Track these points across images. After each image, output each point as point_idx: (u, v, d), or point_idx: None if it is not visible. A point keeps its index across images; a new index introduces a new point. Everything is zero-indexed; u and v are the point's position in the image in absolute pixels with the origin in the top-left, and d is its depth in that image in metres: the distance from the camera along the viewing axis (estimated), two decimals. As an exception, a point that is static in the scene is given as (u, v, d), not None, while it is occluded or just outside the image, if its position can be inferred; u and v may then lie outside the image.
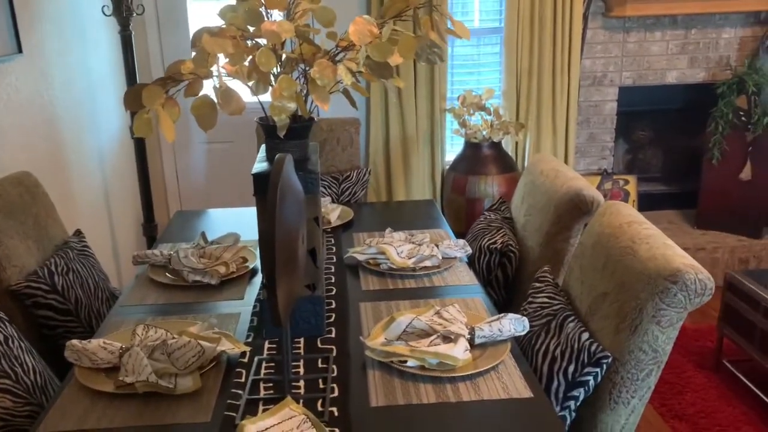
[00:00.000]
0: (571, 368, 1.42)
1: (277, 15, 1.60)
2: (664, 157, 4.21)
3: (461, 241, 2.08)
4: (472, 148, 3.62)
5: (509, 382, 1.41)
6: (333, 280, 1.95)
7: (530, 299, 1.70)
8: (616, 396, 1.39)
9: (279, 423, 1.23)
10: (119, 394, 1.39)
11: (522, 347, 1.59)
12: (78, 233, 2.22)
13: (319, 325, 1.62)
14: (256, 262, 2.04)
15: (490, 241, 2.02)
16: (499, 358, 1.47)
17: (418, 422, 1.29)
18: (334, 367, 1.49)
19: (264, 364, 1.51)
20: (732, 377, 2.73)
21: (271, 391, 1.40)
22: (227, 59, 1.34)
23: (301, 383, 1.43)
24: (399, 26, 1.52)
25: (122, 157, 3.28)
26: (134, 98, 1.18)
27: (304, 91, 1.52)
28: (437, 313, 1.62)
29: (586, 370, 1.40)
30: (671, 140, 4.15)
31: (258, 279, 1.97)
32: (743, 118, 3.58)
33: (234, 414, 1.32)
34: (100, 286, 2.08)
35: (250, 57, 1.36)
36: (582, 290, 1.59)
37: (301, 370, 1.48)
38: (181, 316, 1.74)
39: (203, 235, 2.14)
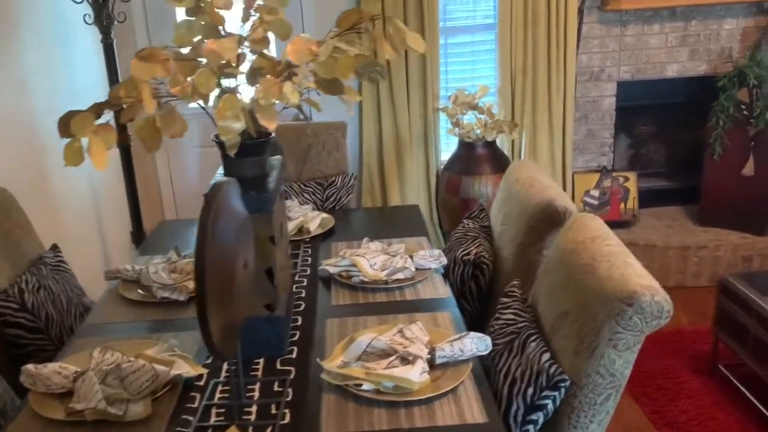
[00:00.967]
0: (530, 391, 1.38)
1: (234, 27, 1.56)
2: (667, 152, 4.11)
3: (436, 252, 2.04)
4: (465, 147, 3.56)
5: (466, 406, 1.37)
6: (303, 294, 1.92)
7: (497, 315, 1.65)
8: (575, 421, 1.34)
9: (220, 455, 1.21)
10: (70, 421, 1.38)
11: (485, 366, 1.55)
12: (54, 248, 2.22)
13: (279, 345, 1.60)
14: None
15: (464, 252, 1.98)
16: (458, 380, 1.43)
17: (365, 451, 1.26)
18: (290, 390, 1.46)
19: (219, 388, 1.49)
20: (727, 382, 2.66)
21: (222, 418, 1.38)
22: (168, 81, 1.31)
23: (254, 408, 1.40)
24: (358, 38, 1.48)
25: (111, 164, 3.28)
26: (65, 126, 1.16)
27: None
28: (400, 331, 1.58)
29: (544, 393, 1.36)
30: (673, 135, 4.06)
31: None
32: (745, 112, 3.48)
33: (180, 443, 1.30)
34: (73, 301, 2.08)
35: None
36: (547, 307, 1.54)
37: (256, 394, 1.46)
38: (145, 336, 1.73)
39: (176, 249, 2.12)
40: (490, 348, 1.50)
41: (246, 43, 1.51)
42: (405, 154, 3.71)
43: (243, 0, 1.52)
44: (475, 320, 1.97)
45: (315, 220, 2.43)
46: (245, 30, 1.50)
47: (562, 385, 1.34)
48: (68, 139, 1.18)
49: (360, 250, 2.08)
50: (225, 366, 1.56)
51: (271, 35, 1.52)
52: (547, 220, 1.80)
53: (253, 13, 1.51)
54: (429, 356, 1.48)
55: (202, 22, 1.44)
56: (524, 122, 3.71)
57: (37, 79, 2.59)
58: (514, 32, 3.55)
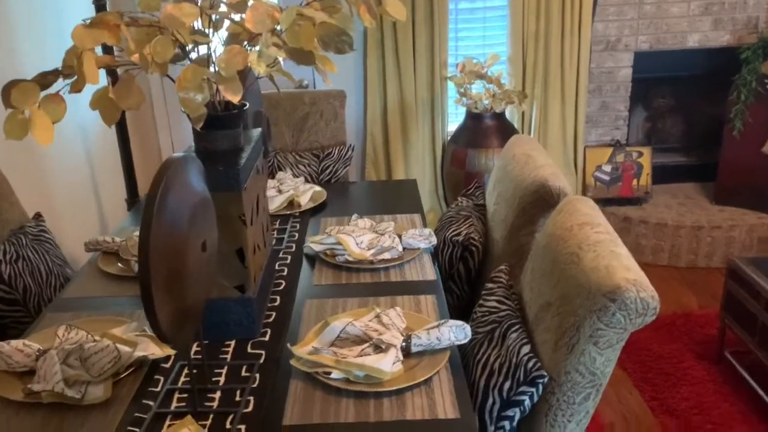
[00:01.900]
0: (507, 385, 1.30)
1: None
2: (685, 126, 3.95)
3: (427, 231, 1.95)
4: (473, 119, 3.44)
5: (438, 400, 1.29)
6: (285, 273, 1.85)
7: (481, 301, 1.57)
8: (552, 419, 1.26)
9: (172, 446, 1.15)
10: (27, 403, 1.33)
11: (464, 355, 1.47)
12: (37, 217, 2.16)
13: (251, 327, 1.53)
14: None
15: (454, 233, 1.89)
16: (434, 370, 1.36)
17: (327, 446, 1.20)
18: (257, 375, 1.40)
19: (185, 371, 1.43)
20: (732, 370, 2.56)
21: (183, 403, 1.32)
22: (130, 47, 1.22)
23: (217, 394, 1.35)
24: (337, 3, 1.37)
25: (108, 129, 3.21)
26: (7, 96, 1.08)
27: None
28: (377, 316, 1.51)
29: (521, 389, 1.28)
30: (692, 109, 3.89)
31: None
32: (768, 86, 3.30)
33: (137, 430, 1.24)
34: (53, 272, 2.03)
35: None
36: (531, 296, 1.46)
37: (222, 379, 1.40)
38: (119, 312, 1.67)
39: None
40: (469, 337, 1.42)
41: (222, 8, 1.41)
42: (410, 124, 3.60)
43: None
44: (464, 304, 1.89)
45: (306, 194, 2.35)
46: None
47: (540, 381, 1.26)
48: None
49: (347, 227, 2.00)
50: (195, 347, 1.50)
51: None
52: (539, 202, 1.70)
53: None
54: (404, 344, 1.41)
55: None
56: (535, 93, 3.57)
57: (26, 42, 2.52)
58: (527, -2, 3.39)
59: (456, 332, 1.42)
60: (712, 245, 3.40)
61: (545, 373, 1.26)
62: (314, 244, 1.93)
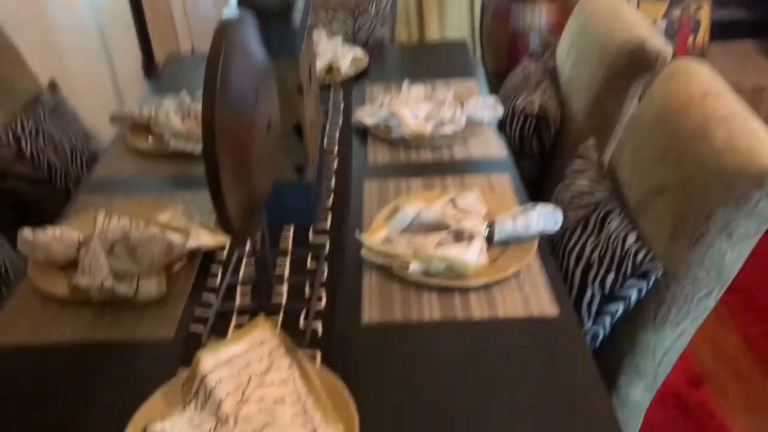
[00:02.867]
0: (610, 278, 1.16)
1: None
2: (749, -24, 3.56)
3: (491, 99, 1.74)
4: (518, -33, 3.07)
5: (531, 294, 1.15)
6: (336, 151, 1.66)
7: (568, 181, 1.40)
8: (663, 315, 1.13)
9: (246, 351, 1.03)
10: (72, 301, 1.20)
11: (552, 243, 1.32)
12: (52, 86, 1.95)
13: (309, 213, 1.37)
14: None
15: (526, 101, 1.67)
16: (523, 261, 1.21)
17: (416, 348, 1.07)
18: (325, 267, 1.26)
19: (245, 260, 1.29)
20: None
21: (247, 299, 1.19)
22: None
23: (284, 288, 1.21)
24: None
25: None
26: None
27: None
28: (452, 200, 1.34)
29: (628, 282, 1.14)
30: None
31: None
32: None
33: (201, 330, 1.12)
34: (78, 148, 1.85)
35: None
36: (632, 177, 1.28)
37: (287, 271, 1.26)
38: (156, 194, 1.51)
39: (187, 89, 1.84)
40: (560, 225, 1.26)
41: None
42: (447, -26, 3.24)
43: None
44: (534, 185, 1.71)
45: (346, 57, 2.10)
46: None
47: (653, 274, 1.11)
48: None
49: (401, 96, 1.78)
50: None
51: None
52: (633, 65, 1.47)
53: None
54: (487, 233, 1.25)
55: None
56: (587, -62, 3.17)
57: None
58: None
59: (546, 219, 1.25)
60: (772, 110, 3.16)
61: (660, 266, 1.11)
62: (365, 116, 1.73)
